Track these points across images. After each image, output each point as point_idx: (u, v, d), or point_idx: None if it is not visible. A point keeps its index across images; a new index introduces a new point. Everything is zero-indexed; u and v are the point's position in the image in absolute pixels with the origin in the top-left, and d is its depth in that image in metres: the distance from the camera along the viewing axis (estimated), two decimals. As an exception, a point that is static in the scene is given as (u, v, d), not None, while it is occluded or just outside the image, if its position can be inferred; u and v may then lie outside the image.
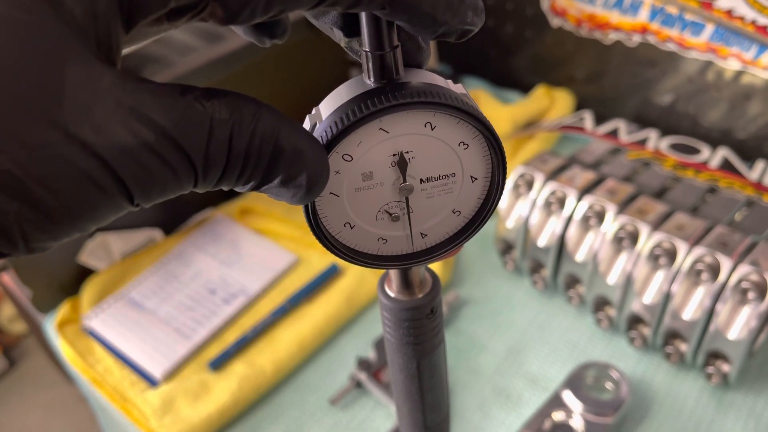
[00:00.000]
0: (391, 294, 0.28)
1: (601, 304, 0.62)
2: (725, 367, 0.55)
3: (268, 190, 0.21)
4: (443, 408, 0.32)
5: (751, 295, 0.51)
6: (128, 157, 0.17)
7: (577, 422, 0.53)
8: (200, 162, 0.18)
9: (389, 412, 0.58)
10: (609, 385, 0.57)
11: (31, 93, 0.16)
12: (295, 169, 0.20)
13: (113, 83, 0.17)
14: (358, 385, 0.60)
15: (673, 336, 0.58)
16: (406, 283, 0.28)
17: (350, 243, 0.26)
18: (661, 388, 0.58)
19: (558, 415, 0.54)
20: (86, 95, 0.16)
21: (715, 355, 0.56)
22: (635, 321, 0.60)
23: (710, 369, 0.56)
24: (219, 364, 0.62)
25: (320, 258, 0.72)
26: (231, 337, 0.65)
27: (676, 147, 0.76)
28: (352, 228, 0.25)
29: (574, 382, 0.56)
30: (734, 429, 0.54)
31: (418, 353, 0.29)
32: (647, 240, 0.57)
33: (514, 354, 0.62)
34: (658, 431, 0.55)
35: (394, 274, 0.28)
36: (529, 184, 0.64)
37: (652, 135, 0.78)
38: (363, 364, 0.60)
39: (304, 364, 0.64)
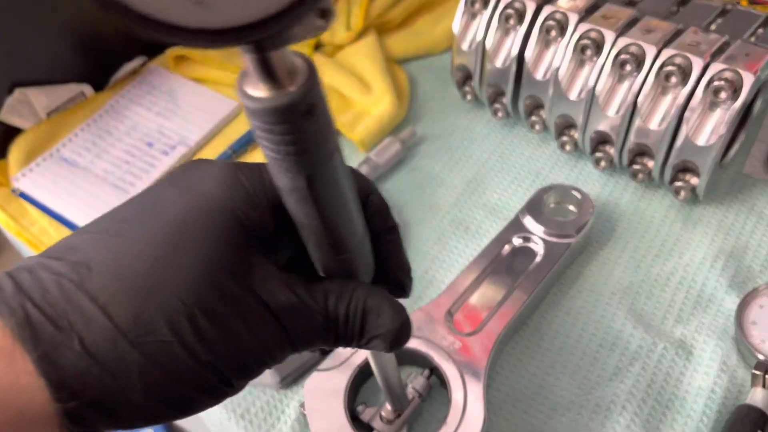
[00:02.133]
0: (252, 93, 0.21)
1: (564, 126, 0.58)
2: (694, 180, 0.52)
3: (369, 346, 0.28)
4: (353, 233, 0.27)
5: (723, 95, 0.47)
6: (286, 312, 0.25)
7: (537, 245, 0.51)
8: (323, 321, 0.26)
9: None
10: (572, 207, 0.54)
11: (237, 268, 0.25)
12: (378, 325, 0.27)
13: (277, 271, 0.26)
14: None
15: (640, 154, 0.54)
16: (268, 74, 0.20)
17: (147, 7, 0.16)
18: (628, 208, 0.55)
19: (517, 240, 0.51)
20: (263, 273, 0.25)
21: (684, 170, 0.53)
22: (600, 142, 0.56)
23: (679, 183, 0.53)
24: (160, 216, 0.58)
25: (265, 103, 0.66)
26: (172, 189, 0.60)
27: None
28: None
29: (535, 206, 0.53)
30: (702, 242, 0.52)
31: (304, 167, 0.23)
32: (612, 47, 0.51)
33: (473, 186, 0.59)
34: (624, 250, 0.53)
35: (249, 64, 0.20)
36: (485, 1, 0.57)
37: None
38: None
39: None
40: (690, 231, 0.53)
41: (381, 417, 0.43)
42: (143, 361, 0.23)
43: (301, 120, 0.21)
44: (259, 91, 0.21)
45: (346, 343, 0.27)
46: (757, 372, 0.42)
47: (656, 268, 0.51)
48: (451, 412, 0.42)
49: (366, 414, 0.43)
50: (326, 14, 0.19)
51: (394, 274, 0.30)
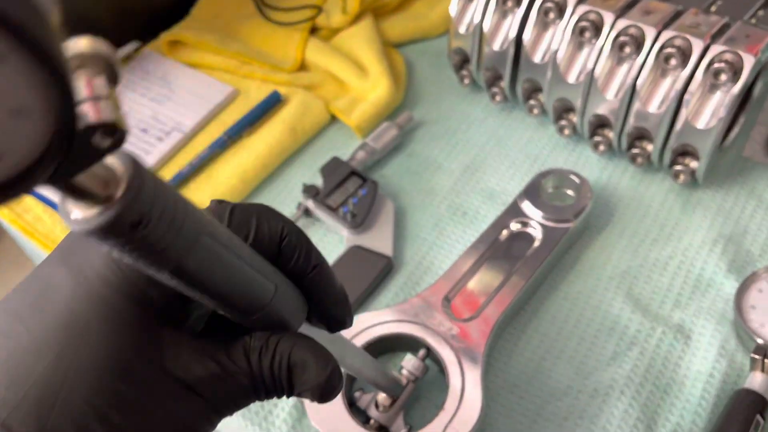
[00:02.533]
0: (71, 214, 0.18)
1: (562, 110, 0.57)
2: (693, 164, 0.52)
3: (301, 397, 0.27)
4: (260, 292, 0.25)
5: (723, 77, 0.46)
6: (206, 382, 0.24)
7: (535, 230, 0.50)
8: (248, 381, 0.25)
9: (341, 237, 0.55)
10: (570, 192, 0.54)
11: (143, 351, 0.23)
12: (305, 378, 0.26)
13: (188, 338, 0.25)
14: (307, 212, 0.56)
15: (639, 137, 0.54)
16: (77, 197, 0.18)
17: None
18: (627, 192, 0.55)
19: (515, 225, 0.51)
20: (175, 349, 0.24)
21: (683, 153, 0.52)
22: (599, 125, 0.56)
23: (678, 167, 0.52)
24: (156, 203, 0.57)
25: (259, 88, 0.65)
26: (168, 175, 0.60)
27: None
28: None
29: (533, 190, 0.52)
30: (701, 226, 0.52)
31: (163, 265, 0.20)
32: (611, 29, 0.51)
33: (471, 171, 0.58)
34: (622, 234, 0.52)
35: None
36: (482, -18, 0.57)
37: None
38: (310, 190, 0.56)
39: (249, 198, 0.59)
40: (689, 215, 0.53)
41: (376, 404, 0.43)
42: None
43: (131, 233, 0.19)
44: (77, 211, 0.18)
45: (278, 396, 0.27)
46: (756, 356, 0.42)
47: (655, 252, 0.51)
48: (449, 398, 0.42)
49: (362, 400, 0.43)
50: (108, 131, 0.16)
51: (327, 311, 0.29)
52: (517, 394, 0.45)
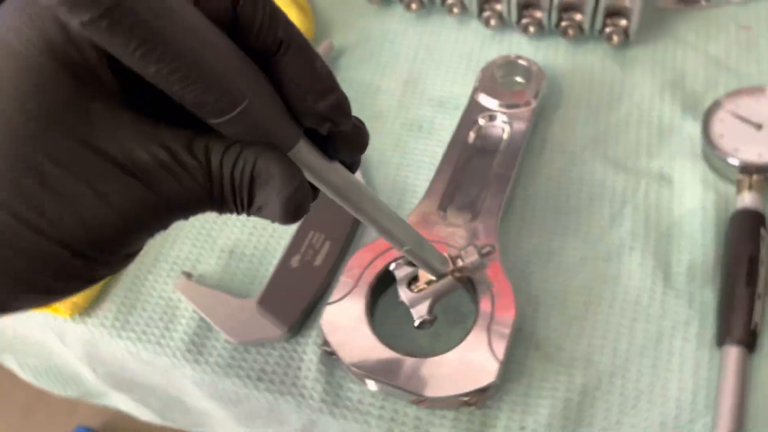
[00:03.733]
0: None
1: (484, 0, 0.56)
2: (623, 22, 0.53)
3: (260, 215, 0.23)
4: (233, 78, 0.21)
5: (642, -75, 0.47)
6: (151, 169, 0.21)
7: (501, 120, 0.49)
8: (203, 180, 0.22)
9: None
10: (518, 78, 0.53)
11: (65, 121, 0.20)
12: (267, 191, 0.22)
13: (133, 118, 0.21)
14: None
15: (566, 9, 0.54)
16: None
17: None
18: (567, 67, 0.55)
19: (482, 120, 0.50)
20: (110, 124, 0.21)
21: (612, 14, 0.53)
22: (525, 6, 0.55)
23: (609, 29, 0.53)
24: None
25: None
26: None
27: None
28: None
29: (486, 83, 0.51)
30: (645, 80, 0.53)
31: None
32: None
33: (412, 85, 0.56)
34: (578, 107, 0.53)
35: None
36: None
37: None
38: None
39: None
40: (630, 73, 0.54)
41: (410, 282, 0.39)
42: None
43: None
44: None
45: (235, 210, 0.23)
46: (742, 176, 0.44)
47: (613, 115, 0.52)
48: (481, 298, 0.40)
49: (400, 271, 0.39)
50: None
51: (308, 109, 0.23)
52: (540, 279, 0.44)
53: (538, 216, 0.47)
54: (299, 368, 0.43)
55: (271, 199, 0.23)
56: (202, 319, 0.46)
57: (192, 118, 0.21)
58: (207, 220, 0.51)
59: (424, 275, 0.39)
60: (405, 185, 0.50)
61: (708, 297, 0.42)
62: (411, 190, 0.50)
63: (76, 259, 0.21)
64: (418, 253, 0.36)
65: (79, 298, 0.47)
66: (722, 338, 0.40)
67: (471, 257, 0.38)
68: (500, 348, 0.39)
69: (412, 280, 0.39)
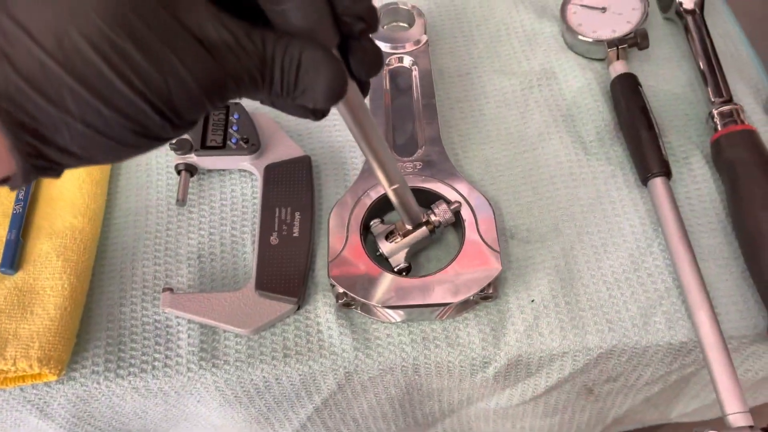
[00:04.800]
0: None
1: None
2: (466, -45, 0.60)
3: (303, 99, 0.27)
4: None
5: None
6: (219, 47, 0.24)
7: (407, 58, 0.54)
8: (258, 62, 0.25)
9: (249, 171, 0.51)
10: (402, 23, 0.58)
11: None
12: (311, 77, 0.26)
13: (206, 2, 0.25)
14: (192, 170, 0.51)
15: (414, -45, 0.59)
16: None
17: None
18: (434, 5, 0.61)
19: (393, 61, 0.54)
20: (191, 4, 0.24)
21: (454, -50, 0.59)
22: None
23: (457, -37, 0.60)
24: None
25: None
26: None
27: None
28: None
29: (378, 36, 0.55)
30: (499, 1, 0.61)
31: None
32: None
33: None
34: (455, 36, 0.59)
35: None
36: None
37: None
38: (183, 145, 0.50)
39: (111, 208, 0.51)
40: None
41: (387, 236, 0.45)
42: (74, 83, 0.22)
43: None
44: None
45: (283, 93, 0.27)
46: (610, 50, 0.54)
47: (486, 35, 0.59)
48: (465, 212, 0.45)
49: (377, 228, 0.45)
50: None
51: (349, 9, 0.27)
52: (489, 182, 0.50)
53: (465, 132, 0.53)
54: (320, 331, 0.45)
55: (316, 84, 0.26)
56: (203, 326, 0.45)
57: (248, 13, 0.25)
58: (158, 236, 0.49)
59: (400, 228, 0.44)
60: (343, 146, 0.53)
61: (619, 151, 0.51)
62: (350, 147, 0.53)
63: (155, 116, 0.24)
64: (403, 194, 0.40)
65: (62, 354, 0.43)
66: (645, 176, 0.48)
67: (444, 214, 0.44)
68: (494, 242, 0.44)
69: (389, 234, 0.45)
